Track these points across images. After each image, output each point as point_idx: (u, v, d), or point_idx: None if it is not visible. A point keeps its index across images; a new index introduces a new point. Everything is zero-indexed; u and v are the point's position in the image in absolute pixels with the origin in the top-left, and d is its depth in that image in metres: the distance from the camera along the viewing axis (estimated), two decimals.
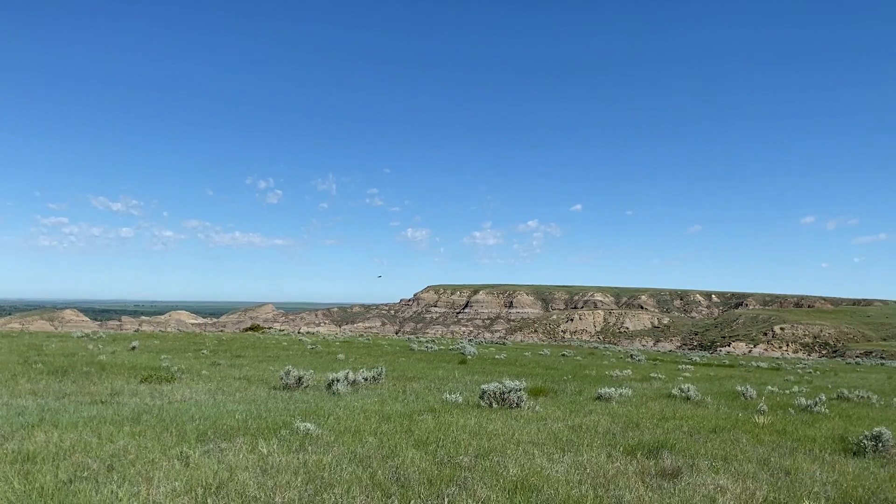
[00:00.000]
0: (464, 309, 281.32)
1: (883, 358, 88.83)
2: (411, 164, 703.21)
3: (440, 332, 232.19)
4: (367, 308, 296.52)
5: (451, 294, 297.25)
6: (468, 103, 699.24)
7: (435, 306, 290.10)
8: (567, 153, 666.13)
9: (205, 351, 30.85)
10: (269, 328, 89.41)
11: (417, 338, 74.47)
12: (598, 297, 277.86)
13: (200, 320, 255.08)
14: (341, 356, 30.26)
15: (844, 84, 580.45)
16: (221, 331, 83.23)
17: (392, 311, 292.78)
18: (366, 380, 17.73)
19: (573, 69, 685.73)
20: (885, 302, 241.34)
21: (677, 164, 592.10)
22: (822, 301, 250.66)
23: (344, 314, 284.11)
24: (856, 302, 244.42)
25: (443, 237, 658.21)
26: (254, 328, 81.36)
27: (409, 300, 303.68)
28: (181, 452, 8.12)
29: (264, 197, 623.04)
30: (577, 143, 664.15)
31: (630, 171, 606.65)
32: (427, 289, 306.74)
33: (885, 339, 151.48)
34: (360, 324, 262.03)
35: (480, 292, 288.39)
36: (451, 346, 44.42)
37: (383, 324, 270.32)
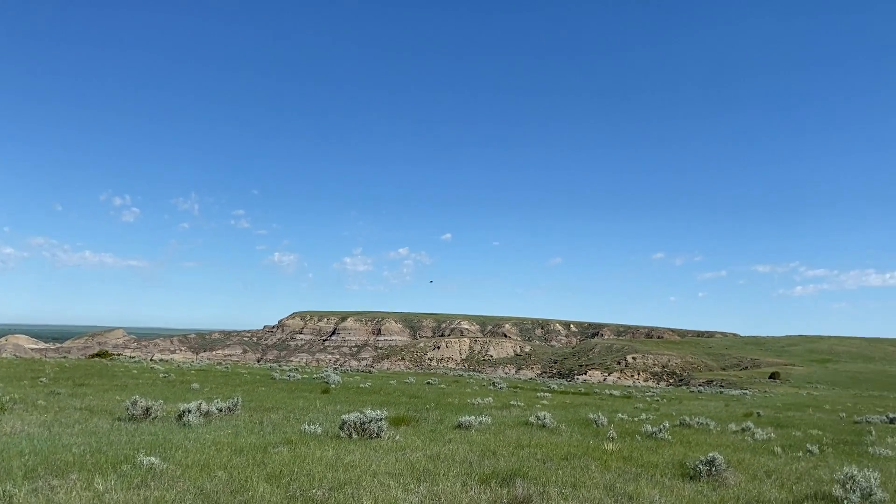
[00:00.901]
0: (331, 336, 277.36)
1: (722, 386, 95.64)
2: (281, 185, 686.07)
3: (305, 361, 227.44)
4: (228, 335, 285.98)
5: (318, 321, 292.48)
6: (342, 126, 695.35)
7: (301, 333, 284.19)
8: (440, 182, 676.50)
9: (43, 379, 28.51)
10: (119, 355, 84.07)
11: (280, 366, 72.44)
12: (465, 325, 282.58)
13: (42, 345, 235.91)
14: (196, 385, 28.89)
15: (689, 138, 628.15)
16: (65, 357, 77.35)
17: (255, 339, 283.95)
18: (220, 410, 17.01)
19: (444, 95, 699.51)
20: (724, 334, 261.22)
21: (542, 198, 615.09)
22: (670, 332, 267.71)
23: (202, 341, 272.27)
24: (699, 334, 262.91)
25: (311, 262, 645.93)
26: (101, 354, 76.25)
27: (274, 327, 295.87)
28: (4, 492, 7.42)
29: (119, 214, 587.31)
30: (449, 172, 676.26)
31: (497, 202, 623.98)
32: (293, 315, 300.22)
33: (724, 369, 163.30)
34: (219, 351, 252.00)
35: (348, 319, 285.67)
36: (315, 375, 43.54)
37: (245, 351, 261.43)
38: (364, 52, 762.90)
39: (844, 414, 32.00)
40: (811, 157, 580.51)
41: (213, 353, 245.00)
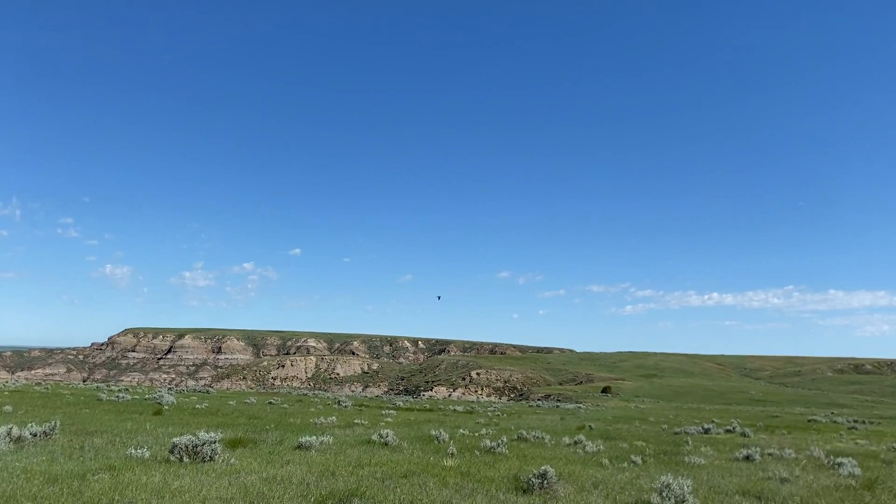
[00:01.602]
0: (167, 354, 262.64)
1: (559, 400, 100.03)
2: (116, 193, 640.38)
3: (137, 381, 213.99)
4: (50, 352, 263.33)
5: (153, 338, 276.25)
6: (187, 133, 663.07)
7: (133, 351, 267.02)
8: (288, 196, 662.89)
9: None
10: None
11: (109, 386, 67.62)
12: (312, 342, 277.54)
13: None
14: (8, 408, 26.31)
15: (536, 161, 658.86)
16: None
17: (81, 357, 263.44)
18: (35, 435, 15.57)
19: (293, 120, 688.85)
20: (562, 350, 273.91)
21: (392, 216, 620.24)
22: (513, 349, 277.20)
23: (20, 359, 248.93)
24: (539, 350, 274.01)
25: (147, 276, 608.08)
26: None
27: (103, 344, 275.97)
28: None
29: None
30: (298, 187, 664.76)
31: (347, 219, 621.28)
32: (125, 332, 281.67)
33: (561, 384, 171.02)
34: (39, 370, 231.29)
35: (186, 336, 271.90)
36: (147, 396, 41.01)
37: (69, 370, 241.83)
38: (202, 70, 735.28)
39: (666, 426, 34.46)
40: (643, 193, 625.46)
41: (33, 372, 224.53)
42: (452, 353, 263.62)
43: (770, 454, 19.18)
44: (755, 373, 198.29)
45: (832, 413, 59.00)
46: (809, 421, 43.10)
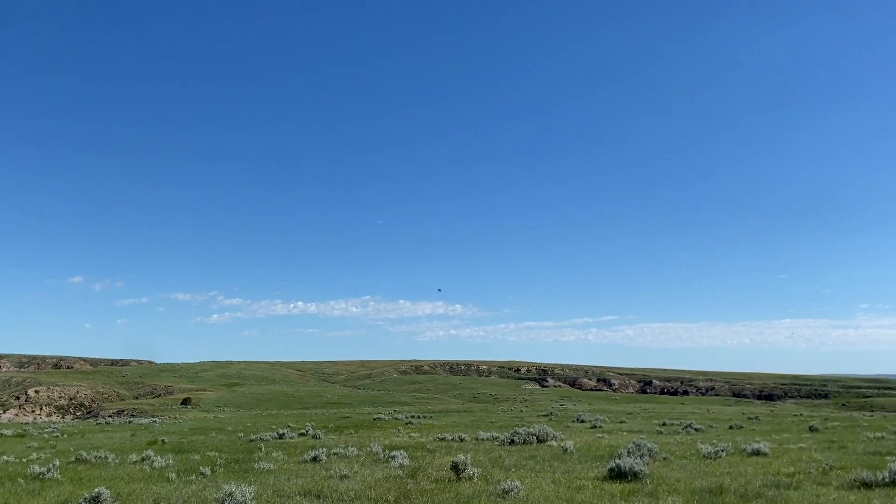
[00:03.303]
0: None
1: (133, 415, 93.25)
2: None
3: None
4: None
5: None
6: None
7: None
8: None
9: None
10: None
11: None
12: None
13: None
14: None
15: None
16: None
17: None
18: None
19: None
20: (139, 362, 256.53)
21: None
22: (83, 362, 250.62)
23: None
24: (114, 362, 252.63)
25: None
26: None
27: None
28: None
29: None
30: None
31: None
32: None
33: (137, 398, 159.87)
34: None
35: None
36: None
37: None
38: None
39: (243, 434, 34.57)
40: (242, 205, 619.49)
41: None
42: (5, 370, 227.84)
43: (336, 453, 20.52)
44: (332, 377, 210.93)
45: (395, 411, 65.55)
46: (375, 419, 47.18)
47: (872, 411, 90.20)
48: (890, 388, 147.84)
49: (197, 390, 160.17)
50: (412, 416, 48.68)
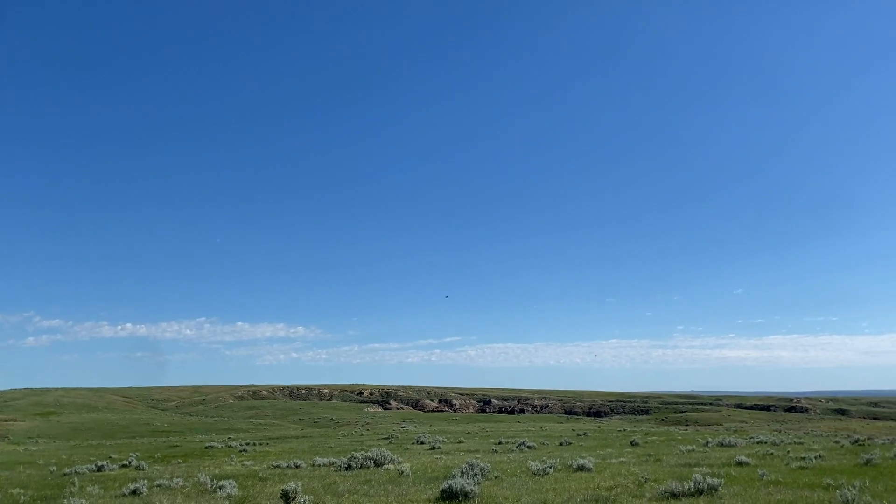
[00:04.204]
0: None
1: None
2: None
3: None
4: None
5: None
6: None
7: None
8: None
9: None
10: None
11: None
12: None
13: None
14: None
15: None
16: None
17: None
18: None
19: None
20: None
21: None
22: None
23: None
24: None
25: None
26: None
27: None
28: None
29: None
30: None
31: None
32: None
33: None
34: None
35: None
36: None
37: None
38: None
39: (56, 467, 31.66)
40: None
41: None
42: None
43: (159, 485, 19.30)
44: (162, 403, 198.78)
45: (229, 438, 62.79)
46: (207, 448, 44.92)
47: (687, 425, 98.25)
48: (702, 404, 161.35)
49: (7, 420, 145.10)
50: (247, 444, 46.91)
